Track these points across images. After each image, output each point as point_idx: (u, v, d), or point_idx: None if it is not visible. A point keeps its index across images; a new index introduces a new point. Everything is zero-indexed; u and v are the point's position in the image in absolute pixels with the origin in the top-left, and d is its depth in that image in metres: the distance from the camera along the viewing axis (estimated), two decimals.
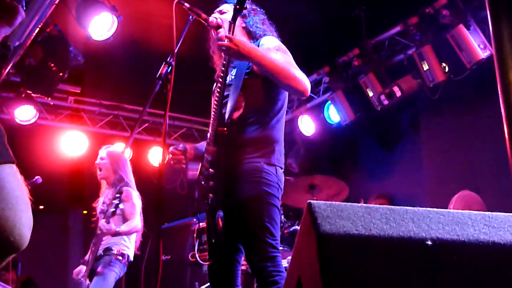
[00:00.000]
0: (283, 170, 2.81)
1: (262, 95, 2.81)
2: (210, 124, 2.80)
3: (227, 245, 2.75)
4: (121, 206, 4.48)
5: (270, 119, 2.80)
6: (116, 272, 4.44)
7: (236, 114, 2.78)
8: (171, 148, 2.93)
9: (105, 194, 4.68)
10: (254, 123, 2.77)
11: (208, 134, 2.82)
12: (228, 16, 2.92)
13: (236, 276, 2.77)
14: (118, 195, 4.50)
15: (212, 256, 2.80)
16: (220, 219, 2.68)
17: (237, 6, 2.70)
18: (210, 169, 2.74)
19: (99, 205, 4.70)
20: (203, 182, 2.81)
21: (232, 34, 2.70)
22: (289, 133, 7.43)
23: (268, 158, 2.72)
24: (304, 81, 2.70)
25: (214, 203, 2.72)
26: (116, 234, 4.37)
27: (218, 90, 2.80)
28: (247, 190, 2.67)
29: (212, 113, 2.81)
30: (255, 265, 2.62)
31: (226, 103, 2.81)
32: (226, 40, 2.61)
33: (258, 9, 3.06)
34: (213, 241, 2.75)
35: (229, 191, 2.71)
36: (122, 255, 4.48)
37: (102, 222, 4.30)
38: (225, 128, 2.73)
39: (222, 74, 2.80)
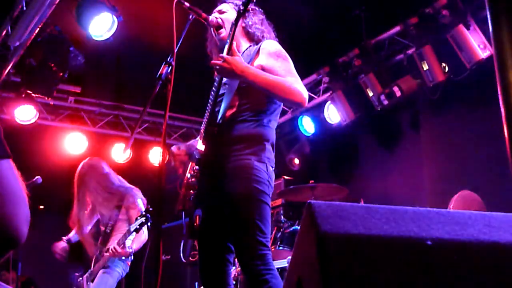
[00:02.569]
0: (273, 168, 2.80)
1: (257, 97, 2.80)
2: (203, 122, 2.80)
3: (216, 244, 2.75)
4: (121, 216, 4.56)
5: (262, 118, 2.79)
6: (118, 272, 4.47)
7: (229, 112, 2.78)
8: (173, 149, 2.92)
9: (106, 214, 4.69)
10: (246, 121, 2.77)
11: (200, 132, 2.82)
12: (228, 15, 2.92)
13: (228, 275, 2.75)
14: (119, 207, 4.57)
15: (200, 256, 2.79)
16: (197, 217, 2.67)
17: (242, 8, 2.70)
18: (196, 166, 2.73)
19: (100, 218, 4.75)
20: (189, 180, 2.78)
21: (233, 36, 2.71)
22: (291, 132, 7.43)
23: (259, 156, 2.70)
24: (302, 92, 2.69)
25: (195, 200, 2.70)
26: (130, 254, 4.42)
27: (213, 89, 2.81)
28: (237, 186, 2.65)
29: (206, 111, 2.83)
30: (245, 264, 2.61)
31: (221, 101, 2.82)
32: (221, 60, 2.62)
33: (257, 8, 3.05)
34: (191, 239, 2.76)
35: (217, 188, 2.70)
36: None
37: (115, 245, 4.30)
38: (216, 127, 2.73)
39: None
